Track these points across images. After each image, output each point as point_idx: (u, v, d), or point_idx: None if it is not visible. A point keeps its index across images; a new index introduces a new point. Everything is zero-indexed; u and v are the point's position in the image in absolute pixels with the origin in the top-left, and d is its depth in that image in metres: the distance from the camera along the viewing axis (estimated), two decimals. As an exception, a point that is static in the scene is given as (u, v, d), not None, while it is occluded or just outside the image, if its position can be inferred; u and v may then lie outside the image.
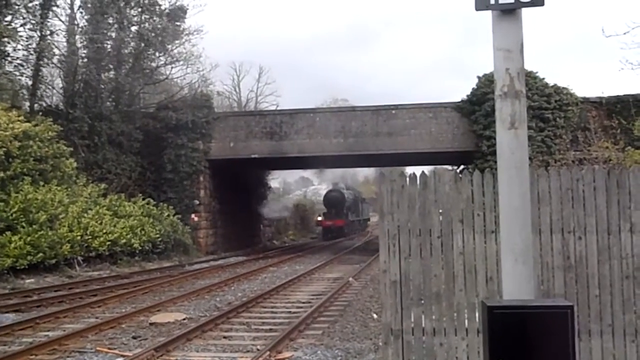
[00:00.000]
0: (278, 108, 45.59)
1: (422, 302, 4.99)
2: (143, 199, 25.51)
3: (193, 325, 11.25)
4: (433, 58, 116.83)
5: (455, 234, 4.97)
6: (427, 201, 5.00)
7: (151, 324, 11.95)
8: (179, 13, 28.60)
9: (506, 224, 2.95)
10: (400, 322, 4.99)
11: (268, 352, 9.04)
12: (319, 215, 48.30)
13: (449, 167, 39.72)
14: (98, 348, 9.76)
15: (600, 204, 4.82)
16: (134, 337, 10.78)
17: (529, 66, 37.33)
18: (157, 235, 24.25)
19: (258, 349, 9.64)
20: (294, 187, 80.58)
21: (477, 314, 4.97)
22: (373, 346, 9.67)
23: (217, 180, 29.89)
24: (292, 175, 70.85)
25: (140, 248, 23.17)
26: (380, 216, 5.06)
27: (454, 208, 4.99)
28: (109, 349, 9.81)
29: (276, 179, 51.44)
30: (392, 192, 5.03)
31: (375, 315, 13.16)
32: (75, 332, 10.77)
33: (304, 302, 14.76)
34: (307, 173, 76.00)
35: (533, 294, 2.96)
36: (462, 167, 33.16)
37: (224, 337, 10.79)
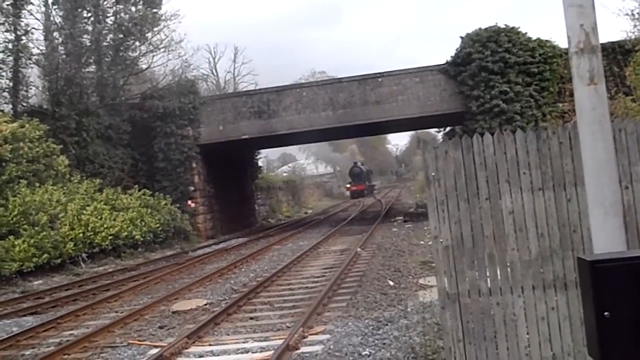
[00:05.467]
0: (257, 87, 45.36)
1: (475, 263, 5.05)
2: (139, 190, 25.37)
3: (217, 310, 11.32)
4: (401, 27, 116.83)
5: (503, 194, 5.03)
6: (472, 164, 5.05)
7: (174, 312, 12.00)
8: (155, 0, 28.15)
9: (593, 178, 2.99)
10: (455, 286, 5.06)
11: (301, 329, 9.12)
12: (348, 184, 69.24)
13: (435, 130, 40.00)
14: (130, 341, 9.80)
15: (644, 152, 4.91)
16: (160, 327, 10.82)
17: (510, 22, 37.30)
18: (157, 225, 24.20)
19: (288, 327, 9.74)
20: (277, 164, 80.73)
21: (530, 271, 5.06)
22: (402, 313, 9.82)
23: (209, 164, 29.79)
24: (275, 153, 71.44)
25: (142, 239, 23.12)
26: (427, 184, 5.10)
27: (499, 169, 5.04)
28: (140, 341, 9.86)
29: (260, 157, 51.47)
30: (437, 158, 5.07)
31: (391, 283, 13.33)
32: (100, 328, 10.76)
33: (318, 277, 14.87)
34: (290, 149, 76.18)
35: (625, 246, 3.02)
36: (448, 129, 33.42)
37: (251, 318, 10.87)
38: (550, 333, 5.02)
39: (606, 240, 2.99)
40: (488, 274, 5.07)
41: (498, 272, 5.07)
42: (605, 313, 2.84)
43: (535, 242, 5.01)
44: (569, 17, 3.04)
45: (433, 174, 5.02)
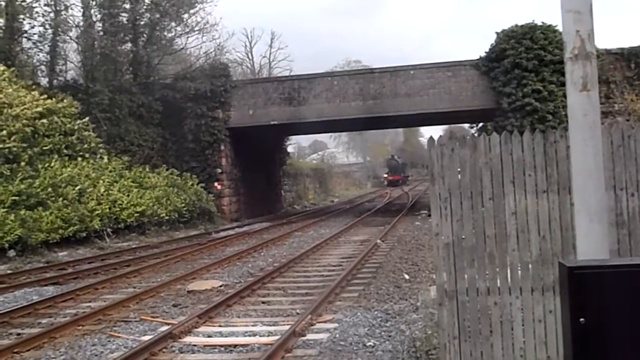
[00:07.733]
0: (292, 73, 45.46)
1: (475, 262, 5.06)
2: (167, 170, 25.74)
3: (231, 292, 11.46)
4: (439, 20, 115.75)
5: (506, 195, 5.03)
6: (477, 163, 5.05)
7: (189, 291, 12.18)
8: (192, -19, 28.49)
9: (581, 185, 2.99)
10: (454, 283, 5.08)
11: (310, 316, 9.22)
12: (385, 174, 78.12)
13: (467, 126, 39.66)
14: (142, 317, 10.01)
15: (653, 160, 4.85)
16: (174, 305, 11.01)
17: (547, 20, 36.67)
18: (183, 205, 24.55)
19: (298, 313, 9.84)
20: (308, 151, 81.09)
21: (530, 273, 5.05)
22: (412, 307, 9.84)
23: (237, 148, 30.04)
24: (306, 139, 71.81)
25: (167, 218, 23.49)
26: (431, 180, 5.11)
27: (505, 169, 5.03)
28: (153, 317, 10.06)
29: (291, 144, 51.69)
30: (442, 156, 5.08)
31: (406, 276, 13.32)
32: (117, 302, 11.01)
33: (335, 266, 14.94)
34: (322, 136, 76.72)
35: (608, 254, 3.02)
36: (480, 124, 33.09)
37: (263, 302, 11.00)
38: (547, 336, 5.02)
39: (590, 247, 3.00)
40: (487, 273, 5.08)
41: (497, 272, 5.07)
42: (581, 319, 2.85)
43: (537, 245, 5.00)
44: (565, 22, 3.03)
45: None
